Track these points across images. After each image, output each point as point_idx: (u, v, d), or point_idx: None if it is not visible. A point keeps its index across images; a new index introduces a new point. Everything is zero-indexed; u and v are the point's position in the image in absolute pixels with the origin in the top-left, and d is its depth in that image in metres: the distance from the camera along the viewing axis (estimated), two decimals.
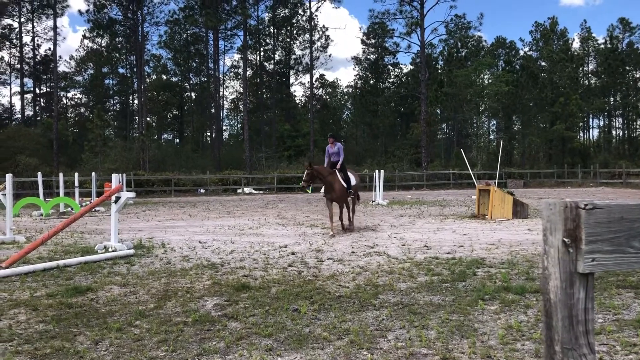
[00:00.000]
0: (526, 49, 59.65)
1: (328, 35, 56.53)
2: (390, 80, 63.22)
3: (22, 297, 5.88)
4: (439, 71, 57.12)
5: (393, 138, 58.51)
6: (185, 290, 6.10)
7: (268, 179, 38.16)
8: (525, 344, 4.09)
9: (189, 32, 55.56)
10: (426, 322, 4.70)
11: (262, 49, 58.32)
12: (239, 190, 35.73)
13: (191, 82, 61.85)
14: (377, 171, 22.70)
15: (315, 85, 59.41)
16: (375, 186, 22.37)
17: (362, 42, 58.59)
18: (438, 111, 57.25)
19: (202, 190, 35.89)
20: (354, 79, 63.21)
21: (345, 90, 67.58)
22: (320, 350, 4.00)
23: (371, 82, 61.03)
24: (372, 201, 21.88)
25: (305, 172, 11.15)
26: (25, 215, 17.78)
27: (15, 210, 15.26)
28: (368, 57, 60.01)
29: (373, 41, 58.26)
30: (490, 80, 53.07)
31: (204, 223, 14.76)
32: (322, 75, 63.44)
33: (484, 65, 51.90)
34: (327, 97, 66.32)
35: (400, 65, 62.09)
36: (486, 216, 14.38)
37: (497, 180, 17.53)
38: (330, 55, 70.37)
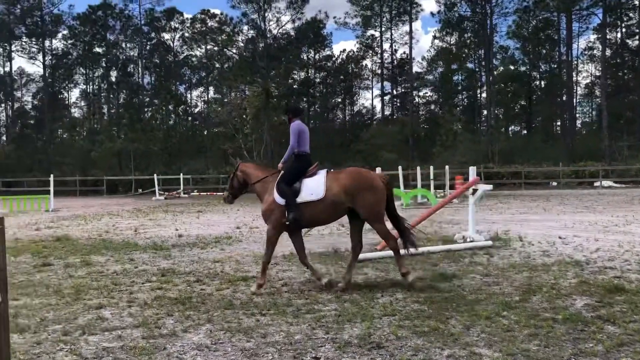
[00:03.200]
0: None
1: None
2: None
3: (397, 277, 6.55)
4: None
5: None
6: (550, 286, 5.88)
7: (632, 171, 33.75)
8: None
9: (538, 18, 53.21)
10: None
11: (623, 24, 51.78)
12: (596, 184, 32.53)
13: (540, 70, 59.09)
14: None
15: None
16: None
17: None
18: None
19: (554, 183, 34.03)
20: None
21: None
22: None
23: None
24: None
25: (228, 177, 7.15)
26: None
27: None
28: None
29: None
30: None
31: (561, 218, 13.95)
32: None
33: None
34: None
35: None
36: None
37: None
38: None
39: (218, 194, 34.75)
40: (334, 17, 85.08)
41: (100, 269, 7.63)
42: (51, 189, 22.63)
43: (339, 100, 71.02)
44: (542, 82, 59.39)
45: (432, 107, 65.04)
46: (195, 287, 6.23)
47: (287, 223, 6.20)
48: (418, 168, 22.53)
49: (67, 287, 6.40)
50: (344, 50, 65.23)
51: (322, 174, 6.43)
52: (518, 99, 60.34)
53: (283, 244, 9.74)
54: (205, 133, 60.80)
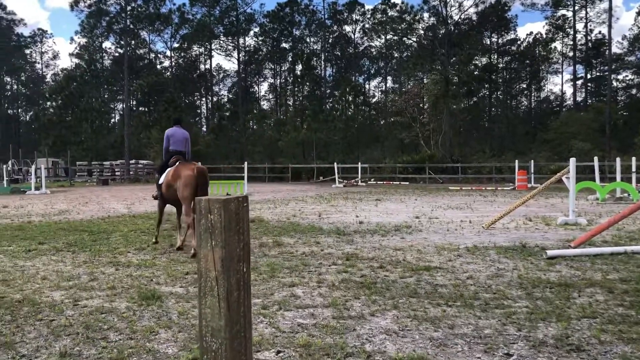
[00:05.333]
0: None
1: None
2: None
3: (595, 277, 6.02)
4: None
5: None
6: None
7: None
8: None
9: None
10: None
11: None
12: None
13: None
14: None
15: None
16: None
17: None
18: None
19: None
20: None
21: None
22: None
23: None
24: None
25: None
26: (581, 199, 18.24)
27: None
28: None
29: None
30: None
31: None
32: None
33: None
34: None
35: None
36: None
37: None
38: None
39: (394, 183, 35.05)
40: None
41: (290, 249, 8.15)
42: (245, 175, 24.73)
43: (524, 86, 67.07)
44: None
45: (634, 91, 58.40)
46: (379, 273, 6.35)
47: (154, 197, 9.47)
48: (617, 159, 20.36)
49: (263, 264, 6.95)
50: (531, 32, 61.70)
51: (173, 166, 8.59)
52: None
53: (465, 236, 9.53)
54: (382, 122, 61.55)
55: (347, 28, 69.08)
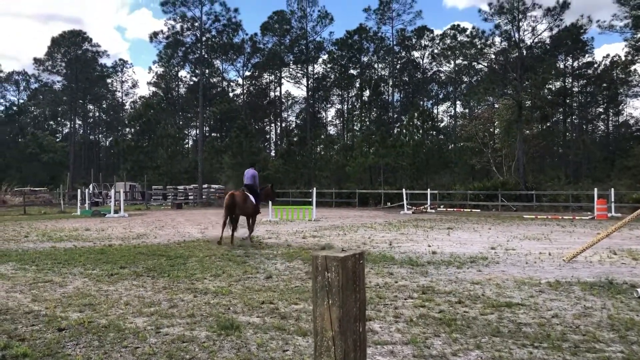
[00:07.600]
0: None
1: None
2: None
3: None
4: None
5: None
6: None
7: None
8: None
9: None
10: None
11: None
12: None
13: None
14: None
15: None
16: None
17: None
18: None
19: None
20: None
21: None
22: None
23: None
24: None
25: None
26: None
27: None
28: None
29: None
30: None
31: None
32: None
33: None
34: None
35: None
36: None
37: None
38: None
39: (465, 210, 34.21)
40: (597, 21, 77.17)
41: None
42: (313, 200, 24.88)
43: (601, 110, 64.42)
44: None
45: None
46: (458, 309, 6.15)
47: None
48: None
49: None
50: (608, 55, 59.21)
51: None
52: None
53: (546, 270, 9.11)
54: (451, 147, 60.48)
55: (416, 54, 68.94)
